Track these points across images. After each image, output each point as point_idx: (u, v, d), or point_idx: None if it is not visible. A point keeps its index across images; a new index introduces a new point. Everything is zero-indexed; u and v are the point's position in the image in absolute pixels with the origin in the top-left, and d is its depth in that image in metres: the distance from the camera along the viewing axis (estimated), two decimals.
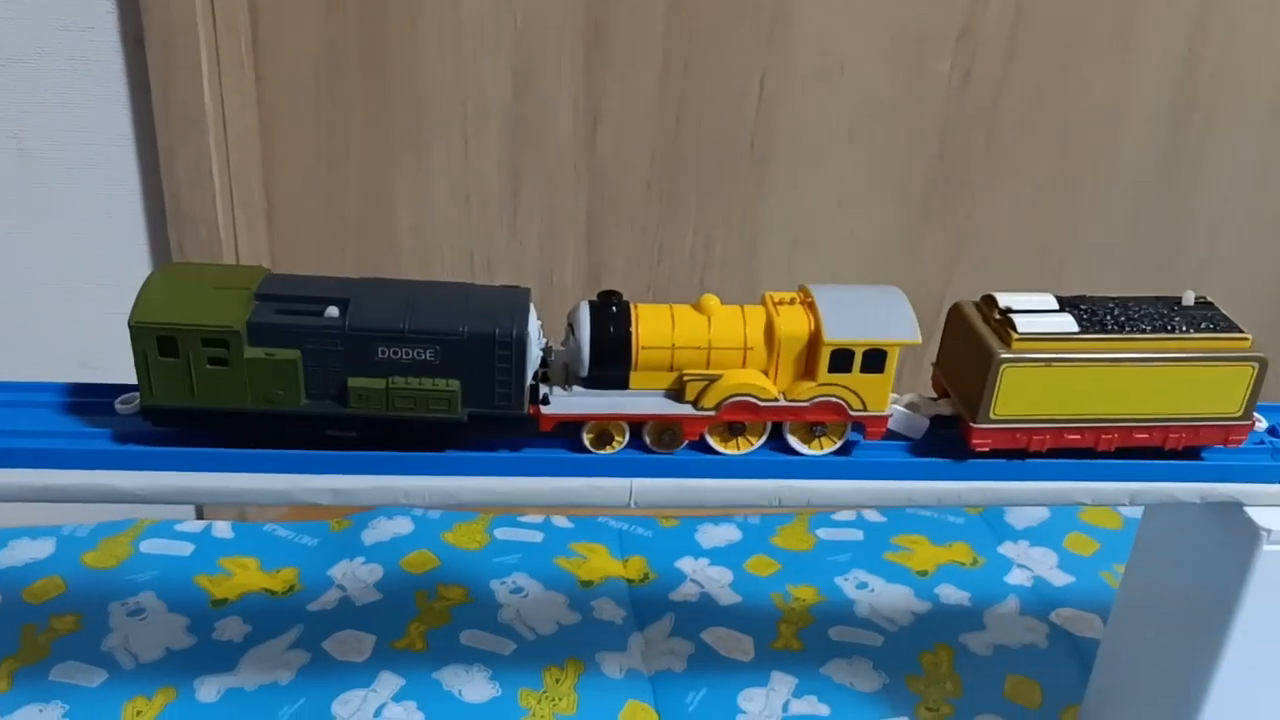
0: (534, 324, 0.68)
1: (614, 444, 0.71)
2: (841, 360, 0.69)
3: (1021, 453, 0.73)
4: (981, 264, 1.23)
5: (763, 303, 0.72)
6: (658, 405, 0.70)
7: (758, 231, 1.20)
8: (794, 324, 0.69)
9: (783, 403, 0.70)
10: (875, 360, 0.69)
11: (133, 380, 0.67)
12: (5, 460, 0.68)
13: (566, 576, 1.12)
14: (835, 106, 1.14)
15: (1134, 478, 0.74)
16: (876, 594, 1.12)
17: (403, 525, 1.18)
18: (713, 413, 0.70)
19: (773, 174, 1.17)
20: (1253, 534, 0.73)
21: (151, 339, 0.65)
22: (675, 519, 1.23)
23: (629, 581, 1.13)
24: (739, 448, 0.72)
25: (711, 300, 0.70)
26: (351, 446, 0.69)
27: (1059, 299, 0.73)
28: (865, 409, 0.71)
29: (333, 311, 0.66)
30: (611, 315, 0.69)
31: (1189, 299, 0.74)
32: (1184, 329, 0.71)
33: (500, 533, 1.18)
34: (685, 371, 0.70)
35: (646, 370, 0.70)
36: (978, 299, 0.75)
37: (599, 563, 1.15)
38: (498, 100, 1.11)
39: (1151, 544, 0.86)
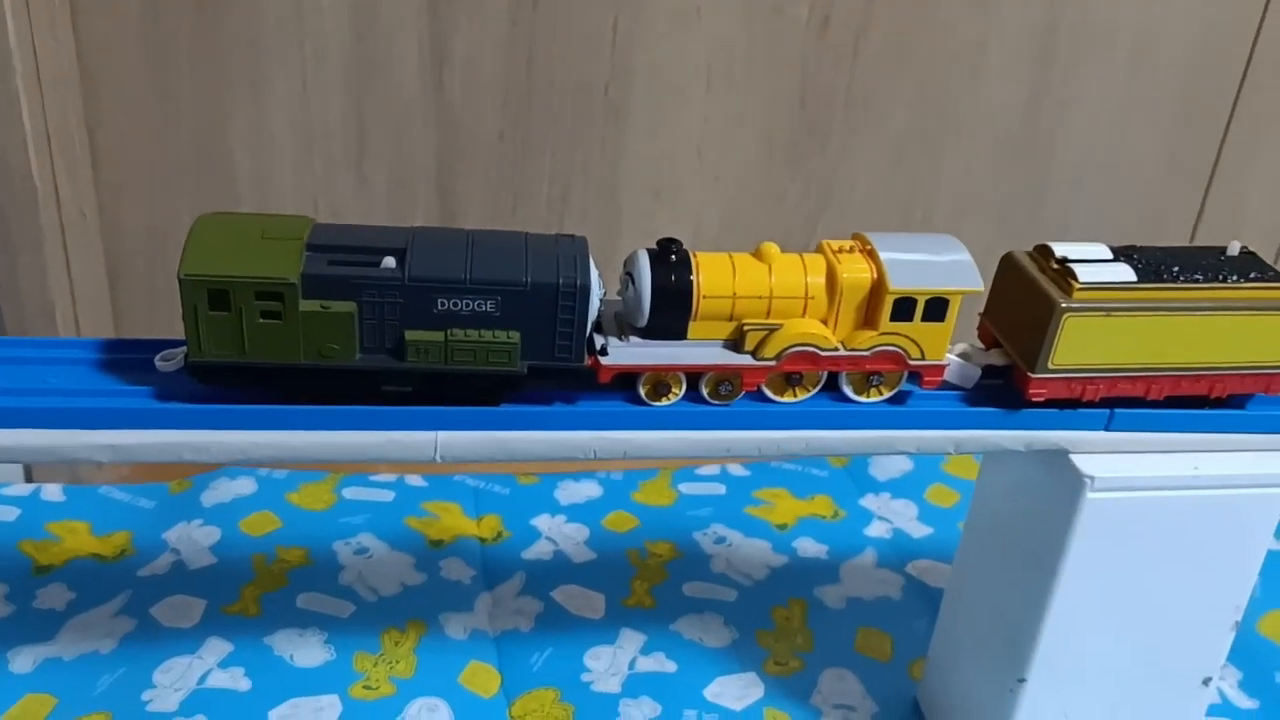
0: (594, 273, 0.65)
1: (670, 395, 0.69)
2: (904, 309, 0.68)
3: (1075, 402, 0.72)
4: (846, 212, 1.21)
5: (818, 250, 0.70)
6: (717, 355, 0.69)
7: (617, 180, 1.17)
8: (857, 272, 0.68)
9: (842, 352, 0.69)
10: (938, 309, 0.69)
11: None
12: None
13: (415, 536, 1.09)
14: (692, 51, 1.11)
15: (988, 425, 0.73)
16: (734, 548, 1.11)
17: (245, 486, 1.13)
18: (773, 363, 0.69)
19: (630, 120, 1.14)
20: (1078, 481, 0.72)
21: (202, 292, 0.62)
22: (535, 476, 1.20)
23: (481, 540, 1.10)
24: (794, 397, 0.71)
25: (772, 248, 0.69)
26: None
27: (1111, 249, 0.73)
28: (924, 358, 0.70)
29: (389, 262, 0.64)
30: (672, 264, 0.67)
31: (1234, 249, 0.74)
32: (1235, 278, 0.71)
33: (349, 492, 1.14)
34: (745, 321, 0.68)
35: (706, 320, 0.68)
36: (1030, 249, 0.74)
37: (451, 521, 1.12)
38: (338, 39, 1.06)
39: (988, 493, 0.85)
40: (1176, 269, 0.71)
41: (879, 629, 1.02)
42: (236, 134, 1.08)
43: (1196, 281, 0.71)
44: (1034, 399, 0.71)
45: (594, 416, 0.69)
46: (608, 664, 0.96)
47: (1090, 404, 0.73)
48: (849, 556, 1.11)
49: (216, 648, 0.93)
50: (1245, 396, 0.75)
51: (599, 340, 0.68)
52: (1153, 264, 0.72)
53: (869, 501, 1.19)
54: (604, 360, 0.67)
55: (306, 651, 0.94)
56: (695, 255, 0.68)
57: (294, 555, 1.05)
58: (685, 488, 1.20)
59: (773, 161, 1.18)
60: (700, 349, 0.69)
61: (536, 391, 0.69)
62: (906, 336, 0.69)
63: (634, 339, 0.69)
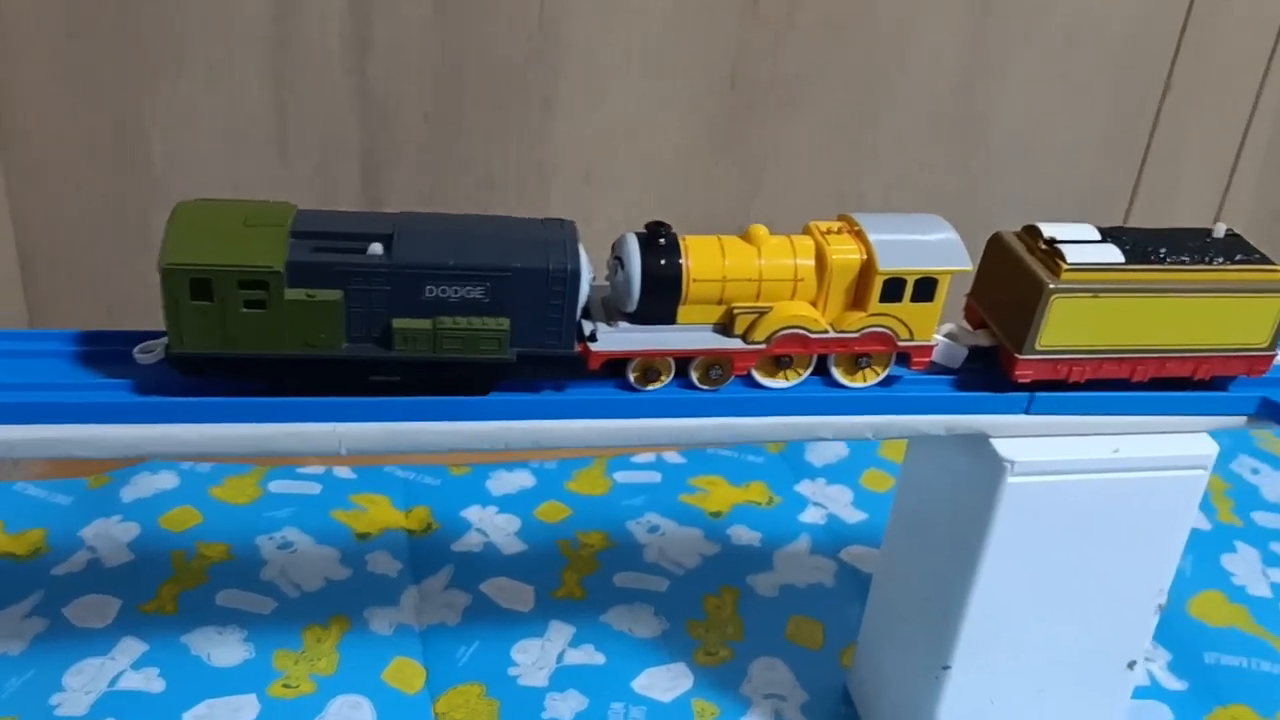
0: (584, 258, 0.64)
1: (660, 380, 0.68)
2: (893, 290, 0.68)
3: (1061, 384, 0.72)
4: (779, 195, 1.20)
5: (805, 232, 0.69)
6: (706, 340, 0.68)
7: (546, 163, 1.15)
8: (846, 253, 0.68)
9: (832, 334, 0.69)
10: (927, 289, 0.68)
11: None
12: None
13: (342, 530, 1.06)
14: (619, 32, 1.09)
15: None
16: (667, 537, 1.09)
17: (167, 480, 1.10)
18: (763, 346, 0.68)
19: (558, 102, 1.11)
20: (998, 465, 0.71)
21: (184, 282, 0.60)
22: (467, 466, 1.18)
23: (410, 533, 1.08)
24: (785, 380, 0.70)
25: (760, 230, 0.68)
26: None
27: (1099, 230, 0.73)
28: (913, 339, 0.69)
29: (376, 248, 0.62)
30: (661, 247, 0.66)
31: (1219, 231, 0.74)
32: (1221, 260, 0.71)
33: (275, 485, 1.11)
34: (735, 305, 0.67)
35: (695, 304, 0.67)
36: (1018, 229, 0.74)
37: (379, 514, 1.09)
38: (258, 19, 1.03)
39: (913, 478, 0.84)
40: (1164, 251, 0.71)
41: (811, 617, 1.01)
42: (153, 117, 1.05)
43: (1183, 263, 0.71)
44: (1020, 379, 0.71)
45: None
46: (535, 657, 0.94)
47: (1076, 385, 0.73)
48: (783, 543, 1.10)
49: (130, 648, 0.90)
50: (1228, 378, 0.75)
51: (588, 326, 0.67)
52: (1140, 246, 0.71)
53: (804, 487, 1.18)
54: (594, 346, 0.66)
55: (224, 650, 0.91)
56: (684, 239, 0.67)
57: (215, 551, 1.02)
58: (620, 476, 1.18)
59: (704, 143, 1.16)
60: (690, 333, 0.68)
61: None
62: (895, 317, 0.69)
63: (623, 324, 0.68)
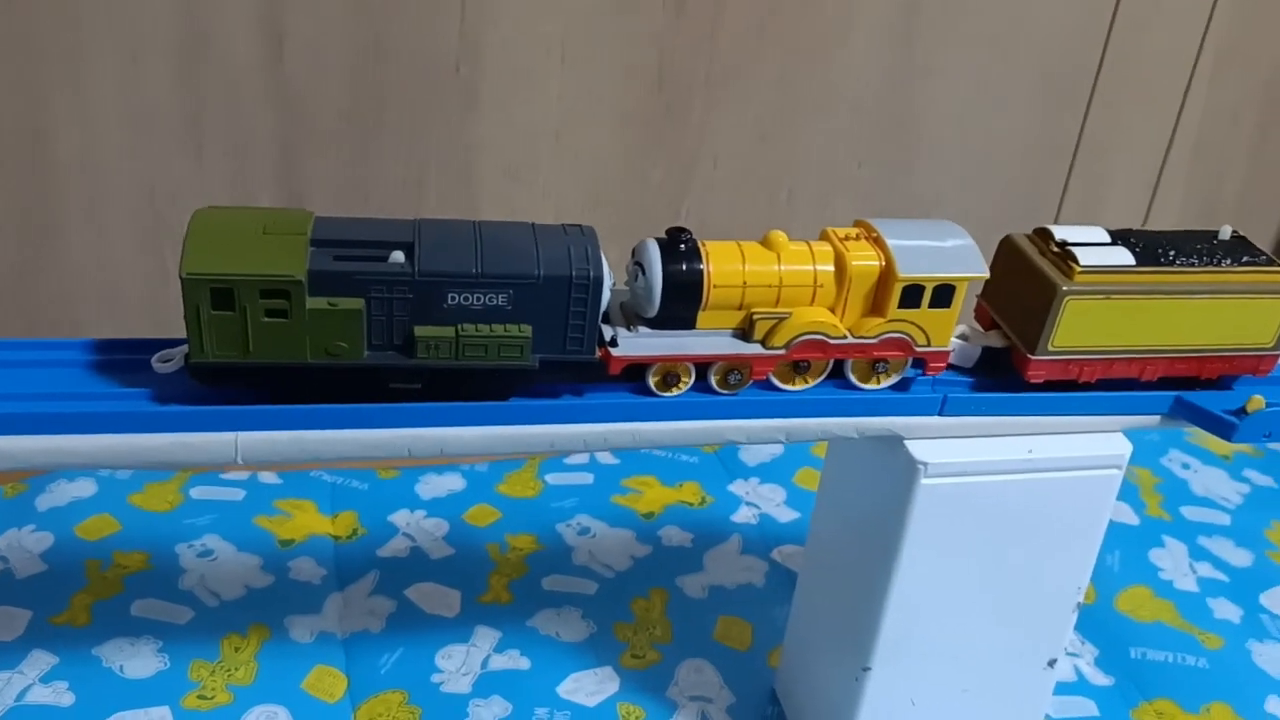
0: (605, 264, 0.65)
1: (679, 385, 0.69)
2: (912, 296, 0.68)
3: (1072, 384, 0.73)
4: (711, 191, 1.19)
5: (823, 238, 0.70)
6: (726, 345, 0.68)
7: (473, 162, 1.13)
8: (865, 260, 0.68)
9: (850, 340, 0.69)
10: (944, 295, 0.69)
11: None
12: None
13: (265, 536, 1.04)
14: (544, 28, 1.08)
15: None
16: (597, 539, 1.08)
17: (84, 488, 1.07)
18: (782, 351, 0.68)
19: (484, 100, 1.10)
20: (911, 467, 0.71)
21: (205, 291, 0.60)
22: (396, 470, 1.16)
23: (335, 538, 1.06)
24: (802, 384, 0.71)
25: (779, 236, 0.68)
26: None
27: (1109, 232, 0.74)
28: (929, 344, 0.70)
29: (398, 256, 0.62)
30: (682, 252, 0.66)
31: (1225, 233, 0.75)
32: (1228, 262, 0.73)
33: (196, 492, 1.09)
34: (755, 310, 0.68)
35: (716, 309, 0.68)
36: (1029, 231, 0.75)
37: (304, 520, 1.07)
38: (166, 14, 1.00)
39: (833, 479, 0.84)
40: (1173, 253, 0.73)
41: (740, 617, 1.00)
42: (58, 115, 1.02)
43: (1192, 265, 0.72)
44: (1033, 380, 0.72)
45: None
46: (459, 663, 0.93)
47: (1088, 385, 0.74)
48: (714, 544, 1.09)
49: (40, 661, 0.88)
50: (1233, 378, 0.77)
51: (608, 332, 0.67)
52: (1150, 248, 0.73)
53: (738, 487, 1.18)
54: (614, 352, 0.66)
55: (138, 662, 0.89)
56: (704, 244, 0.67)
57: (132, 560, 0.99)
58: (552, 478, 1.17)
59: (632, 141, 1.15)
60: (710, 339, 0.68)
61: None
62: (913, 323, 0.69)
63: (642, 329, 0.68)
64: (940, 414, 0.72)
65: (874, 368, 0.71)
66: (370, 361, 0.64)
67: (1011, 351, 0.74)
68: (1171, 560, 1.13)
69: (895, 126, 1.21)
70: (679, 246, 0.66)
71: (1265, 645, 1.03)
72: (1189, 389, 0.76)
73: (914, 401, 0.71)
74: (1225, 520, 1.20)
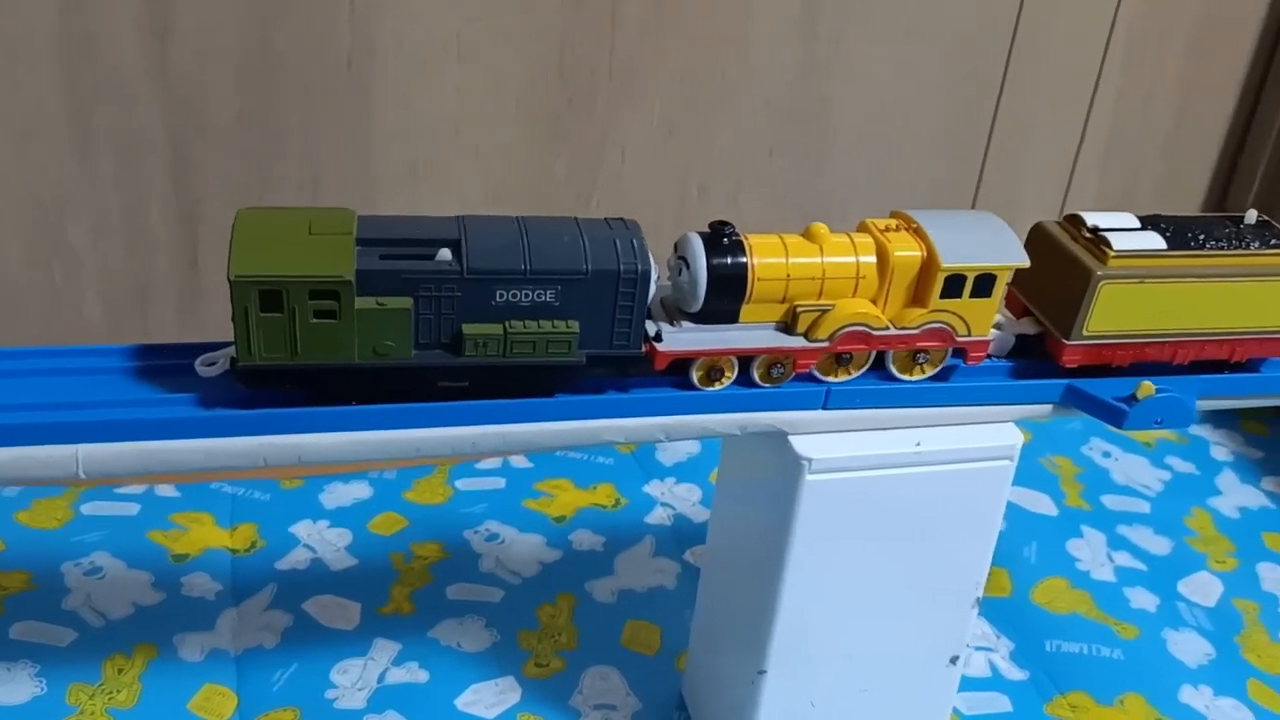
0: (651, 258, 0.65)
1: (723, 379, 0.68)
2: (954, 286, 0.68)
3: (1105, 369, 0.74)
4: (618, 186, 1.17)
5: (861, 229, 0.70)
6: (770, 338, 0.68)
7: (372, 160, 1.10)
8: (908, 251, 0.68)
9: (893, 331, 0.68)
10: (986, 285, 0.69)
11: None
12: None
13: (158, 551, 1.01)
14: (439, 20, 1.05)
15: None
16: (506, 545, 1.06)
17: None
18: (826, 344, 0.68)
19: (379, 95, 1.07)
20: (796, 463, 0.69)
21: (254, 293, 0.59)
22: (299, 479, 1.13)
23: (233, 552, 1.02)
24: (846, 376, 0.70)
25: (821, 228, 0.68)
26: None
27: (1138, 217, 0.74)
28: (970, 334, 0.70)
29: (445, 254, 0.62)
30: (726, 246, 0.66)
31: (1251, 218, 0.76)
32: (1256, 245, 0.73)
33: (87, 508, 1.05)
34: (798, 303, 0.67)
35: (759, 302, 0.68)
36: (1060, 218, 0.75)
37: (201, 533, 1.04)
38: (42, 13, 0.96)
39: (727, 477, 0.82)
40: (1202, 236, 0.73)
41: (648, 621, 0.98)
42: None
43: (1221, 249, 0.73)
44: (1068, 365, 0.73)
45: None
46: (355, 678, 0.90)
47: (1119, 370, 0.74)
48: (626, 547, 1.07)
49: None
50: (1261, 360, 0.77)
51: (652, 327, 0.67)
52: (1180, 232, 0.73)
53: (653, 488, 1.15)
54: (660, 346, 0.66)
55: (11, 688, 0.85)
56: (747, 237, 0.67)
57: (14, 581, 0.96)
58: (462, 484, 1.14)
59: (535, 135, 1.12)
60: (753, 332, 0.68)
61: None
62: (954, 313, 0.69)
63: (685, 324, 0.68)
64: (824, 408, 0.70)
65: (915, 358, 0.70)
66: (418, 361, 0.63)
67: (1045, 337, 0.74)
68: (1089, 550, 1.12)
69: (805, 119, 1.19)
70: (722, 240, 0.66)
71: (1180, 634, 1.02)
72: (1218, 372, 0.76)
73: (797, 395, 0.69)
74: (1145, 508, 1.20)
